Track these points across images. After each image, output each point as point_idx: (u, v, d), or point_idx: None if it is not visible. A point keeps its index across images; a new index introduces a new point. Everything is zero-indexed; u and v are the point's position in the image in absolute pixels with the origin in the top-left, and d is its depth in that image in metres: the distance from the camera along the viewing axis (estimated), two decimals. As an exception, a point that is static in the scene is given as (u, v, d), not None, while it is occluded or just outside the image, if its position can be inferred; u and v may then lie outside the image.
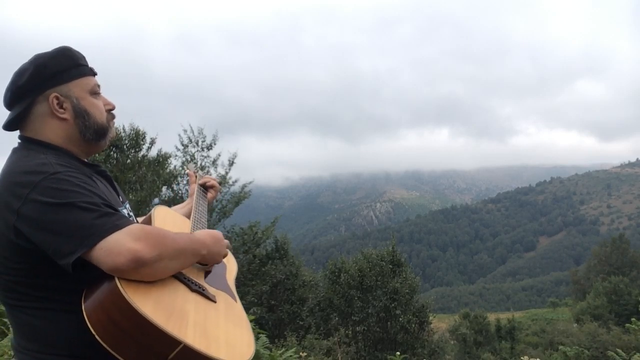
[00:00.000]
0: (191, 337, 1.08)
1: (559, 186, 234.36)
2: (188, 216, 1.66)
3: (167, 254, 1.13)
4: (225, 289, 1.42)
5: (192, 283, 1.26)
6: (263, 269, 16.16)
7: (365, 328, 15.81)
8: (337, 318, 16.11)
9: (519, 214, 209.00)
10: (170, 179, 15.34)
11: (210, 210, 15.84)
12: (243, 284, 15.40)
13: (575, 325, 28.36)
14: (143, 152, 15.02)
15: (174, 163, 16.01)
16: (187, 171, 1.95)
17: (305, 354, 6.40)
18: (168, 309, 1.10)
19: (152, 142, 15.24)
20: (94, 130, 1.33)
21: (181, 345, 1.05)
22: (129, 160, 14.44)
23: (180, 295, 1.19)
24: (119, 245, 1.07)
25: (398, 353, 7.07)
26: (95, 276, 1.11)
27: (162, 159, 15.23)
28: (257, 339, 4.15)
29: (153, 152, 15.26)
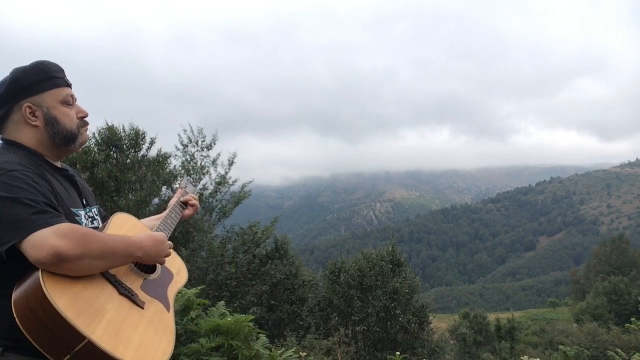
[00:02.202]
0: (99, 335, 1.18)
1: (559, 186, 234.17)
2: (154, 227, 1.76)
3: (92, 253, 1.26)
4: (161, 299, 1.50)
5: (122, 287, 1.36)
6: (263, 269, 16.14)
7: (365, 328, 15.80)
8: (337, 318, 16.10)
9: (519, 214, 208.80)
10: (170, 179, 15.32)
11: (210, 210, 15.88)
12: (243, 284, 15.39)
13: (575, 325, 28.33)
14: (143, 152, 15.01)
15: (174, 163, 16.02)
16: (176, 186, 2.04)
17: (305, 354, 6.40)
18: (84, 306, 1.21)
19: (152, 142, 15.23)
20: (62, 136, 1.51)
21: (86, 341, 1.15)
22: (129, 160, 14.43)
23: (105, 295, 1.29)
24: (44, 240, 1.21)
25: (398, 353, 7.06)
26: (31, 266, 1.25)
27: (162, 159, 15.22)
28: (257, 339, 4.15)
29: (153, 152, 15.26)
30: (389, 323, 15.87)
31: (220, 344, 3.53)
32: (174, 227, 1.79)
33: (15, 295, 1.22)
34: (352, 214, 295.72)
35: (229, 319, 3.73)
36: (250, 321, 3.89)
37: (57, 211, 1.32)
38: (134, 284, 1.43)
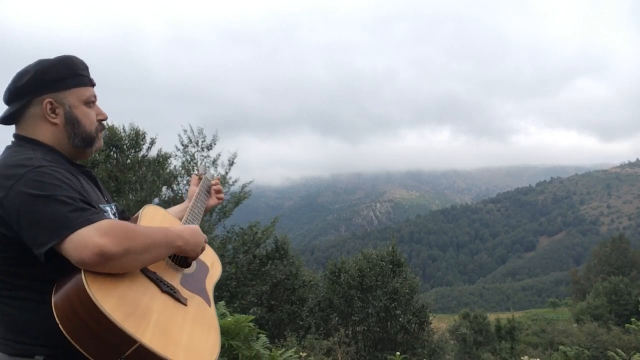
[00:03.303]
0: (149, 337, 1.12)
1: (559, 186, 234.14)
2: (182, 218, 1.68)
3: (136, 248, 1.18)
4: (201, 293, 1.44)
5: (164, 284, 1.29)
6: (263, 269, 16.15)
7: (365, 328, 15.80)
8: (337, 318, 16.11)
9: (519, 214, 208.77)
10: (170, 179, 15.33)
11: (210, 210, 15.88)
12: (243, 284, 15.39)
13: (575, 325, 28.33)
14: (143, 152, 15.03)
15: (174, 163, 16.03)
16: (196, 173, 1.95)
17: (305, 354, 6.41)
18: (130, 307, 1.14)
19: (152, 142, 15.25)
20: (81, 138, 1.42)
21: (137, 344, 1.09)
22: (129, 160, 14.44)
23: (149, 294, 1.22)
24: (87, 239, 1.13)
25: (398, 353, 7.07)
26: (70, 268, 1.17)
27: (162, 159, 15.23)
28: (257, 339, 4.15)
29: (153, 152, 15.27)
30: (389, 323, 15.87)
31: (221, 344, 3.53)
32: (201, 216, 1.73)
33: (56, 299, 1.14)
34: (352, 214, 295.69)
35: (229, 319, 3.73)
36: (250, 321, 3.90)
37: (93, 207, 1.24)
38: (174, 279, 1.37)
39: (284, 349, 4.57)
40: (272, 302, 16.30)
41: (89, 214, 1.18)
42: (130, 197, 13.14)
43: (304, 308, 16.62)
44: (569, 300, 52.34)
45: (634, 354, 6.78)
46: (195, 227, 1.44)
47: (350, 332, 15.68)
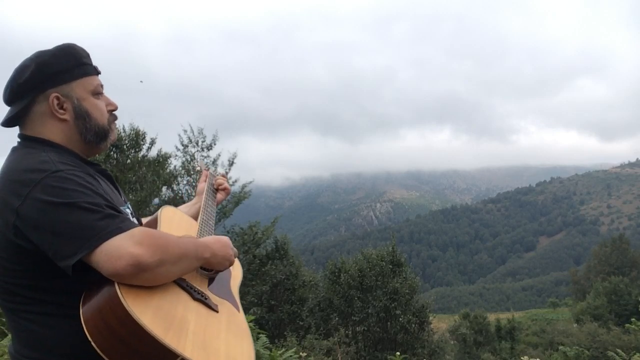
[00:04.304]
0: (190, 349, 1.06)
1: (559, 186, 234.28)
2: (195, 217, 1.62)
3: (169, 259, 1.10)
4: (229, 298, 1.39)
5: (195, 291, 1.23)
6: (263, 269, 16.16)
7: (365, 328, 15.80)
8: (337, 318, 16.11)
9: (519, 214, 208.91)
10: (170, 179, 15.34)
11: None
12: (243, 284, 15.35)
13: (575, 325, 28.35)
14: (143, 152, 15.04)
15: (174, 163, 16.03)
16: (198, 168, 1.92)
17: (305, 354, 6.41)
18: (168, 319, 1.08)
19: (152, 142, 15.26)
20: (94, 132, 1.29)
21: (179, 359, 1.03)
22: (129, 160, 14.45)
23: (182, 304, 1.16)
24: (121, 249, 1.04)
25: (398, 353, 7.07)
26: (96, 279, 1.08)
27: (162, 159, 15.24)
28: (257, 339, 4.15)
29: (153, 152, 15.25)
30: (389, 323, 15.87)
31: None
32: (214, 214, 1.68)
33: (85, 314, 1.04)
34: (352, 214, 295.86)
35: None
36: (250, 321, 3.89)
37: (121, 213, 1.13)
38: (202, 285, 1.30)
39: (284, 349, 4.57)
40: (272, 302, 16.30)
41: (119, 221, 1.09)
42: (130, 197, 13.14)
43: (304, 308, 16.62)
44: (569, 300, 52.38)
45: (634, 354, 6.79)
46: (225, 239, 1.34)
47: (350, 332, 15.69)
